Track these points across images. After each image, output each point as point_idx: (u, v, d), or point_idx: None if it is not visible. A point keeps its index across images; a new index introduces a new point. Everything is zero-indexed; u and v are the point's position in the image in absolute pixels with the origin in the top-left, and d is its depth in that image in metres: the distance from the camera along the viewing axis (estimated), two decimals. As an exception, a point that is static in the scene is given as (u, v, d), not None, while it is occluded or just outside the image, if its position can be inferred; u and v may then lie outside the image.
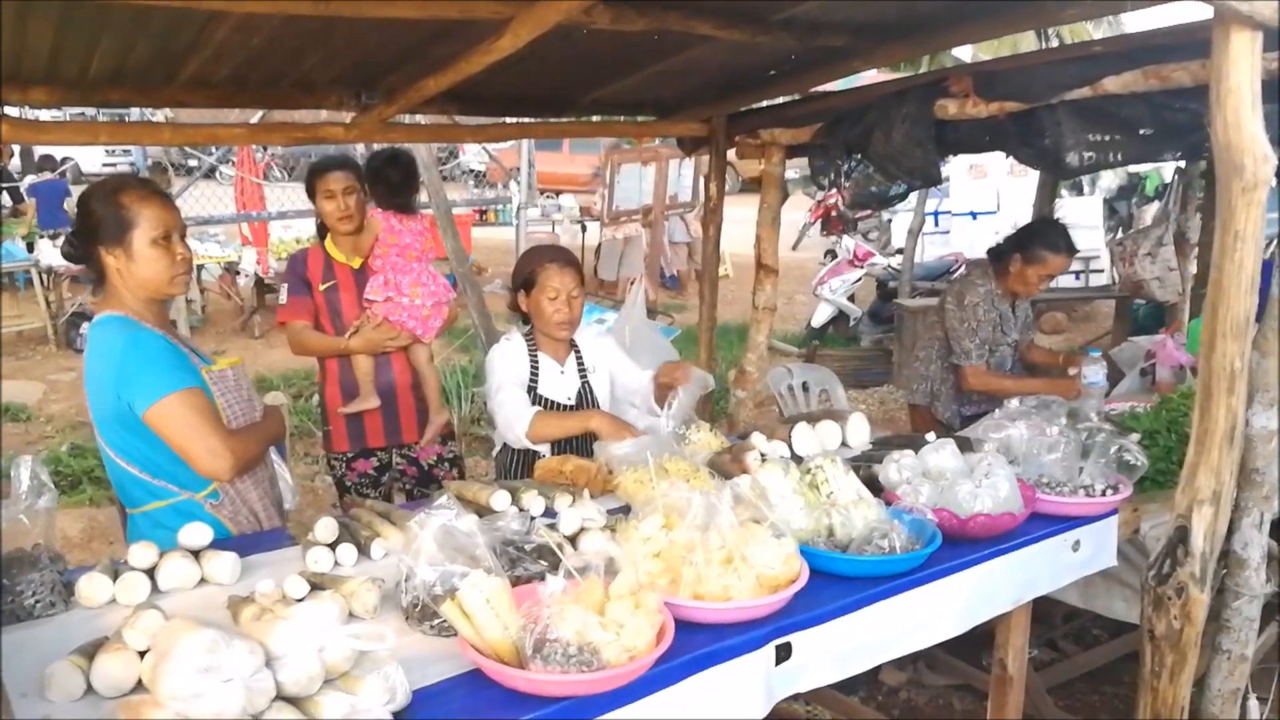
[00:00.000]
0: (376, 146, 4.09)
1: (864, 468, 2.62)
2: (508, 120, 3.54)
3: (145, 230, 2.30)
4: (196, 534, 2.13)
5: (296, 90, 3.12)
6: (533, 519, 2.29)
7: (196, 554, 2.11)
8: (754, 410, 4.19)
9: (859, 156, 3.32)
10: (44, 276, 9.82)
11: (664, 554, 1.99)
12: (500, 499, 2.41)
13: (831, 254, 11.94)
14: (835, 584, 2.10)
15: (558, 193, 15.63)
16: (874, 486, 2.49)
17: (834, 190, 3.42)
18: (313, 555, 2.16)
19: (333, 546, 2.20)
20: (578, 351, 3.29)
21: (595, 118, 3.94)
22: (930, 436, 2.56)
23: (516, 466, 3.18)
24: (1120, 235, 5.99)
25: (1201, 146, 2.33)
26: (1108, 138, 2.77)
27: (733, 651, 1.87)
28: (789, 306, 12.28)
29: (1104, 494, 2.51)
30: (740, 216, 7.87)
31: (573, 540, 2.23)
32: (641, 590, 1.85)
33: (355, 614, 1.94)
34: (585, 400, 3.24)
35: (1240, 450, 2.51)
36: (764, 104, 3.82)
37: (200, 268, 10.52)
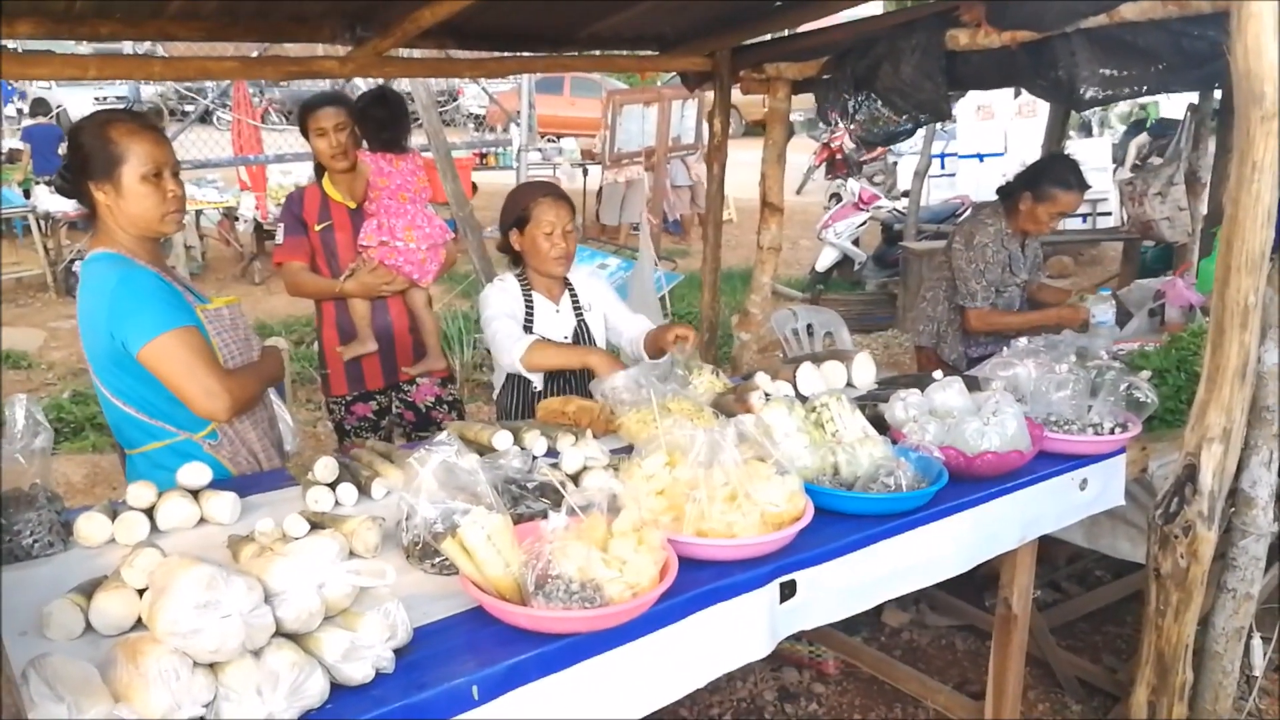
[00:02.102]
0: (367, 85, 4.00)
1: (870, 407, 2.59)
2: (505, 55, 3.44)
3: (135, 166, 2.24)
4: (195, 474, 2.10)
5: (289, 23, 3.03)
6: (535, 458, 2.27)
7: (196, 494, 2.09)
8: (757, 354, 4.15)
9: (867, 91, 3.24)
10: (41, 223, 9.73)
11: (667, 491, 1.97)
12: (502, 438, 2.39)
13: (836, 197, 11.80)
14: (840, 522, 2.08)
15: (558, 136, 15.47)
16: (881, 426, 2.46)
17: (840, 128, 3.34)
18: (313, 495, 2.14)
19: (333, 486, 2.17)
20: (572, 290, 3.24)
21: (597, 53, 3.85)
22: (937, 375, 2.52)
23: (518, 409, 3.16)
24: (1130, 174, 5.89)
25: (1219, 76, 2.26)
26: (1123, 70, 2.69)
27: (737, 589, 1.86)
28: (793, 251, 12.19)
29: (1112, 432, 2.48)
30: (743, 159, 7.76)
31: (575, 479, 2.21)
32: (645, 527, 1.83)
33: (356, 552, 1.92)
34: (582, 338, 3.20)
35: (1251, 387, 2.48)
36: (769, 37, 3.72)
37: (199, 214, 10.43)
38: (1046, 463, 2.44)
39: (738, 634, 1.87)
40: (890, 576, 2.12)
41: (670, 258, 10.52)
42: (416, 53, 3.47)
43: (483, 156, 12.62)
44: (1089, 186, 3.97)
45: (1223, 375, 2.39)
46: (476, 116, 19.71)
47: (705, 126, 11.40)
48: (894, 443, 2.32)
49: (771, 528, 1.92)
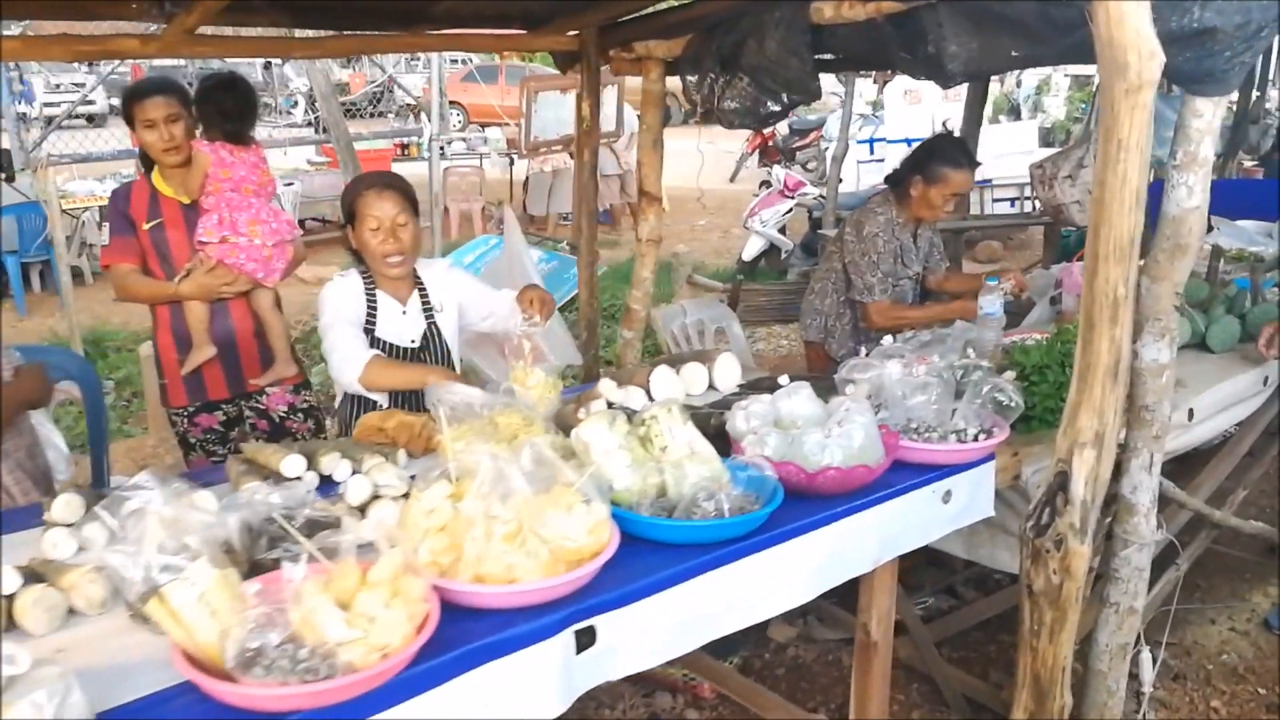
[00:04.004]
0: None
1: (717, 415, 2.36)
2: (346, 34, 3.14)
3: None
4: (-93, 519, 1.81)
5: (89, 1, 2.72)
6: (309, 490, 2.00)
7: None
8: (640, 353, 3.91)
9: (734, 71, 3.00)
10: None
11: (449, 528, 1.71)
12: (293, 464, 2.11)
13: (766, 185, 11.62)
14: (655, 553, 1.84)
15: (484, 125, 15.09)
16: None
17: (702, 108, 3.09)
18: (50, 538, 1.85)
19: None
20: (422, 289, 2.97)
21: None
22: (783, 379, 2.29)
23: (354, 417, 2.87)
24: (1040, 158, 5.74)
25: (1089, 46, 2.04)
26: (992, 43, 2.47)
27: (520, 641, 1.61)
28: (724, 240, 12.01)
29: (976, 439, 2.27)
30: (680, 148, 7.50)
31: (363, 511, 1.95)
32: (406, 575, 1.57)
33: (77, 609, 1.65)
34: (431, 342, 2.93)
35: (1126, 386, 2.28)
36: (638, 14, 3.46)
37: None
38: (905, 474, 2.22)
39: (523, 692, 1.62)
40: (716, 613, 1.89)
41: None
42: (244, 31, 3.14)
43: (404, 147, 12.23)
44: (979, 164, 3.77)
45: (1093, 374, 2.19)
46: (413, 107, 19.25)
47: (629, 113, 11.21)
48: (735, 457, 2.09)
49: (567, 566, 1.67)
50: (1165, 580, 3.07)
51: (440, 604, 1.58)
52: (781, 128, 14.57)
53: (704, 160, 11.09)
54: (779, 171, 10.01)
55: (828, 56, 2.87)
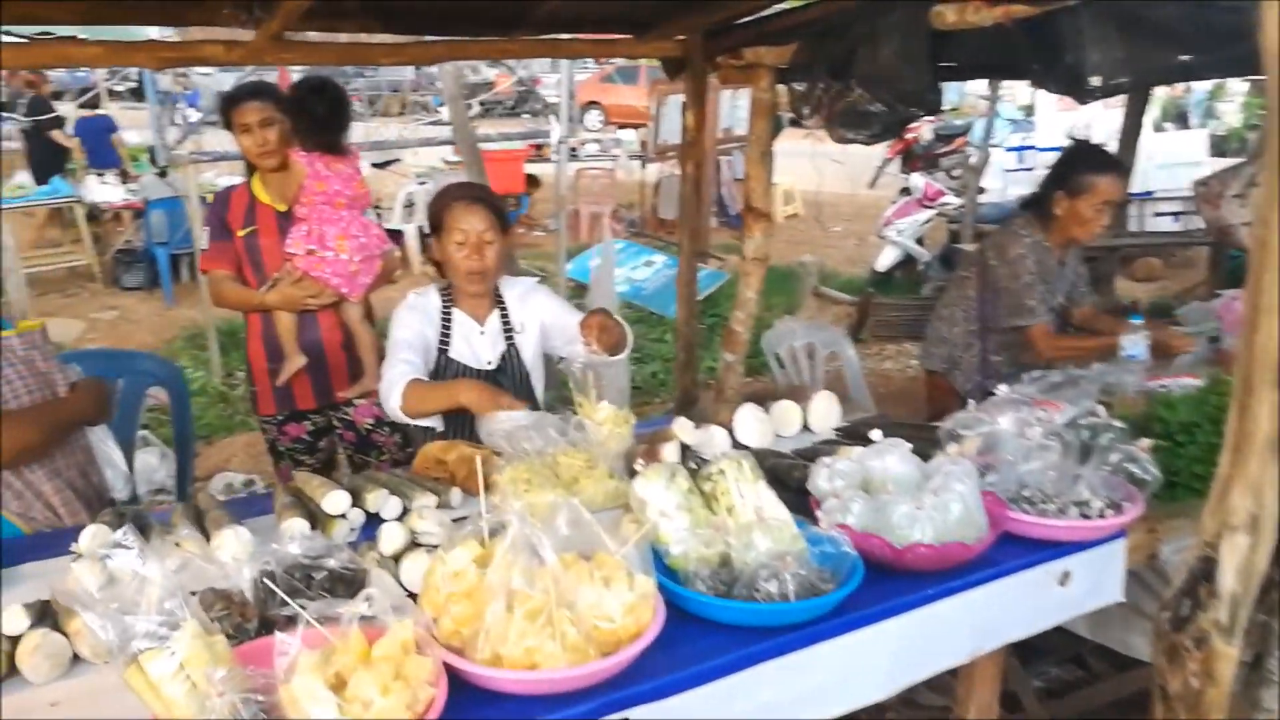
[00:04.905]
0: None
1: (801, 467, 2.11)
2: (433, 39, 3.02)
3: None
4: (-61, 543, 1.76)
5: (176, 3, 2.68)
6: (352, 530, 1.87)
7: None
8: (742, 377, 3.67)
9: (845, 80, 2.73)
10: (90, 213, 9.73)
11: (475, 595, 1.53)
12: (336, 501, 1.98)
13: (906, 192, 11.14)
14: (711, 634, 1.62)
15: (622, 126, 15.04)
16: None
17: (809, 119, 2.83)
18: (77, 571, 1.77)
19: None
20: (503, 308, 2.82)
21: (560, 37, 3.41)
22: (876, 435, 2.02)
23: (434, 437, 2.74)
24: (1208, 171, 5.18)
25: (1253, 58, 1.71)
26: (1139, 53, 2.14)
27: (538, 735, 1.42)
28: (859, 249, 11.59)
29: (1103, 514, 1.95)
30: (797, 149, 7.20)
31: (397, 561, 1.79)
32: (413, 655, 1.40)
33: (82, 656, 1.55)
34: (508, 365, 2.78)
35: (1291, 463, 1.92)
36: (748, 19, 3.22)
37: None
38: (1014, 551, 1.92)
39: (540, 792, 1.43)
40: (777, 706, 1.65)
41: (720, 255, 10.01)
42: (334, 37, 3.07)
43: (539, 148, 12.26)
44: (1128, 169, 3.37)
45: (1250, 445, 1.83)
46: (554, 108, 19.43)
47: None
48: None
49: (598, 650, 1.47)
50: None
51: (458, 678, 1.41)
52: (925, 133, 13.98)
53: (825, 166, 10.73)
54: (918, 179, 9.54)
55: (948, 65, 2.57)
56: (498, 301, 2.83)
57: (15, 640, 1.53)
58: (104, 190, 9.64)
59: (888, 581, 1.77)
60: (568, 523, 1.57)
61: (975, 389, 3.53)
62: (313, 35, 2.91)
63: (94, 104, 11.15)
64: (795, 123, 3.01)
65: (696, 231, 3.50)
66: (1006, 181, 10.83)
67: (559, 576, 1.48)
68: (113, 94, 13.32)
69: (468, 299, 2.77)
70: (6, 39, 3.32)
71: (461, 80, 7.61)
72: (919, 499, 1.78)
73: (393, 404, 2.45)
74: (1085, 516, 1.94)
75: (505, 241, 2.76)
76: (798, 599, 1.61)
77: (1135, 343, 2.88)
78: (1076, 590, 2.00)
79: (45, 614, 1.60)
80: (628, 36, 3.43)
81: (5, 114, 11.84)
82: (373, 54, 2.95)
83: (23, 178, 10.56)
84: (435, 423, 2.62)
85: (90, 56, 2.61)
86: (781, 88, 3.12)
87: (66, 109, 11.19)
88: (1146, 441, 2.05)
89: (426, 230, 2.86)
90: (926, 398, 3.84)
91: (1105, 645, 3.14)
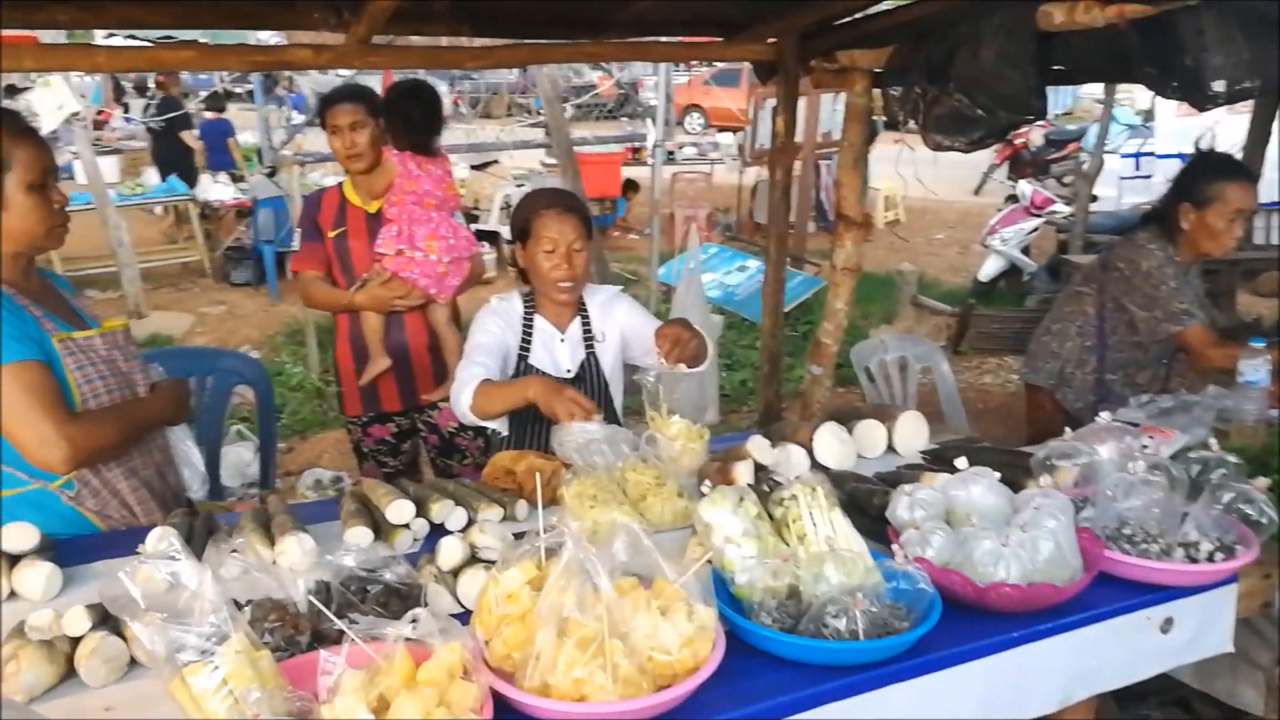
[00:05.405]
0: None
1: (881, 493, 2.00)
2: (518, 42, 3.00)
3: (20, 174, 1.96)
4: (18, 536, 1.79)
5: (268, 8, 2.71)
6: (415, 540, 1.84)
7: (19, 559, 1.78)
8: (829, 392, 3.55)
9: (943, 84, 2.60)
10: (204, 211, 10.10)
11: (527, 619, 1.48)
12: (399, 510, 1.95)
13: (1013, 199, 10.76)
14: (774, 669, 1.54)
15: (721, 129, 14.94)
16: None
17: (903, 124, 2.71)
18: (143, 574, 1.78)
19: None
20: (585, 316, 2.77)
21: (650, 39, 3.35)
22: (961, 462, 1.90)
23: (513, 444, 2.71)
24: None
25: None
26: (1267, 51, 1.97)
27: (588, 768, 1.36)
28: (962, 257, 11.25)
29: (1212, 558, 1.79)
30: (923, 156, 6.98)
31: (456, 575, 1.76)
32: (459, 680, 1.35)
33: (139, 661, 1.55)
34: (587, 373, 2.73)
35: None
36: (845, 19, 3.11)
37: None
38: (1111, 593, 1.78)
39: (587, 829, 1.37)
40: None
41: (816, 260, 9.82)
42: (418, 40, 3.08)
43: (636, 151, 12.26)
44: (1257, 176, 3.14)
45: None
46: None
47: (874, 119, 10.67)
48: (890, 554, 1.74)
49: (651, 683, 1.40)
50: None
51: (505, 704, 1.37)
52: (1036, 138, 13.50)
53: (926, 171, 10.41)
54: (1025, 186, 9.20)
55: (1055, 69, 2.42)
56: (580, 309, 2.79)
57: (76, 641, 1.54)
58: (216, 189, 10.00)
59: (970, 621, 1.66)
60: (626, 547, 1.50)
61: (1086, 408, 3.35)
62: (416, 40, 2.91)
63: (220, 107, 11.54)
64: (891, 126, 2.88)
65: (784, 239, 3.40)
66: (1122, 189, 10.37)
67: (613, 604, 1.42)
68: (230, 95, 13.86)
69: (550, 306, 2.74)
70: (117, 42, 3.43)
71: (559, 83, 7.65)
72: (1005, 534, 1.66)
73: (463, 403, 2.42)
74: (1192, 559, 1.79)
75: (590, 249, 2.72)
76: (867, 637, 1.51)
77: (1256, 367, 2.66)
78: (1180, 638, 1.84)
79: (107, 616, 1.60)
80: (717, 39, 3.35)
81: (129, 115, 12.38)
82: (459, 58, 2.93)
83: (148, 175, 11.05)
84: (501, 426, 2.58)
85: (183, 60, 2.66)
86: (876, 91, 3.00)
87: (190, 110, 11.62)
88: (1264, 481, 1.88)
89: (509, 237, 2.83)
90: (1027, 415, 3.65)
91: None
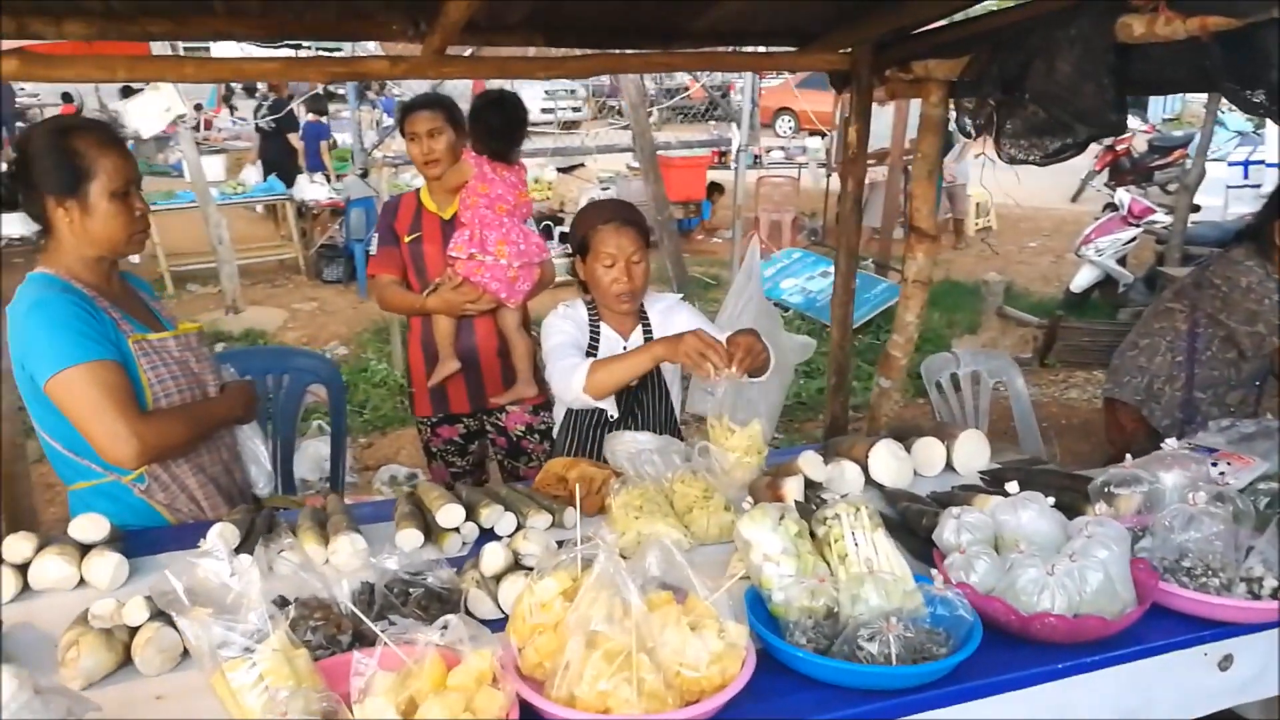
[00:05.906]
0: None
1: (931, 514, 1.97)
2: (590, 52, 3.02)
3: (104, 182, 2.07)
4: (89, 527, 1.89)
5: (349, 19, 2.80)
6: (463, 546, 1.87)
7: (89, 549, 1.88)
8: (900, 405, 3.49)
9: (1017, 95, 2.55)
10: (300, 210, 10.44)
11: (559, 629, 1.50)
12: (450, 514, 2.00)
13: (1112, 208, 10.40)
14: (805, 690, 1.53)
15: (811, 133, 14.78)
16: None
17: (976, 136, 2.65)
18: (203, 569, 1.85)
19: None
20: (646, 324, 2.80)
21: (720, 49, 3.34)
22: (1012, 487, 1.85)
23: (581, 450, 2.74)
24: None
25: None
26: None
27: (611, 780, 1.37)
28: (1055, 266, 10.93)
29: (1276, 595, 1.71)
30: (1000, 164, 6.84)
31: (498, 581, 1.79)
32: (492, 684, 1.38)
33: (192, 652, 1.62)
34: (649, 382, 2.75)
35: None
36: (921, 29, 3.06)
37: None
38: (1166, 627, 1.72)
39: (609, 841, 1.38)
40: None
41: (899, 268, 9.65)
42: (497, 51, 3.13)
43: (722, 154, 12.23)
44: None
45: None
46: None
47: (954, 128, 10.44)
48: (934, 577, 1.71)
49: (678, 699, 1.41)
50: None
51: (532, 712, 1.39)
52: (1139, 143, 13.03)
53: (1022, 177, 10.12)
54: (1123, 194, 8.89)
55: (1134, 81, 2.34)
56: (641, 317, 2.81)
57: (134, 630, 1.61)
58: (312, 189, 10.32)
59: (1013, 651, 1.62)
60: (659, 561, 1.51)
61: (1173, 425, 3.25)
62: (504, 51, 2.96)
63: (322, 109, 11.91)
64: (965, 135, 2.83)
65: (854, 250, 3.35)
66: (1228, 198, 9.94)
67: (642, 619, 1.43)
68: (332, 96, 14.35)
69: (613, 315, 2.77)
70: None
71: (645, 88, 7.69)
72: (1052, 563, 1.62)
73: (575, 386, 2.43)
74: (1254, 595, 1.71)
75: (648, 260, 2.74)
76: (901, 662, 1.49)
77: (1345, 394, 2.54)
78: (1239, 676, 1.77)
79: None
80: (790, 50, 3.33)
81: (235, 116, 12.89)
82: (531, 68, 2.97)
83: (247, 175, 11.47)
84: (609, 406, 2.61)
85: (265, 72, 2.76)
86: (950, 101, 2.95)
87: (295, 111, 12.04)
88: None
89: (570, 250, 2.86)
90: (1107, 433, 3.55)
91: None
